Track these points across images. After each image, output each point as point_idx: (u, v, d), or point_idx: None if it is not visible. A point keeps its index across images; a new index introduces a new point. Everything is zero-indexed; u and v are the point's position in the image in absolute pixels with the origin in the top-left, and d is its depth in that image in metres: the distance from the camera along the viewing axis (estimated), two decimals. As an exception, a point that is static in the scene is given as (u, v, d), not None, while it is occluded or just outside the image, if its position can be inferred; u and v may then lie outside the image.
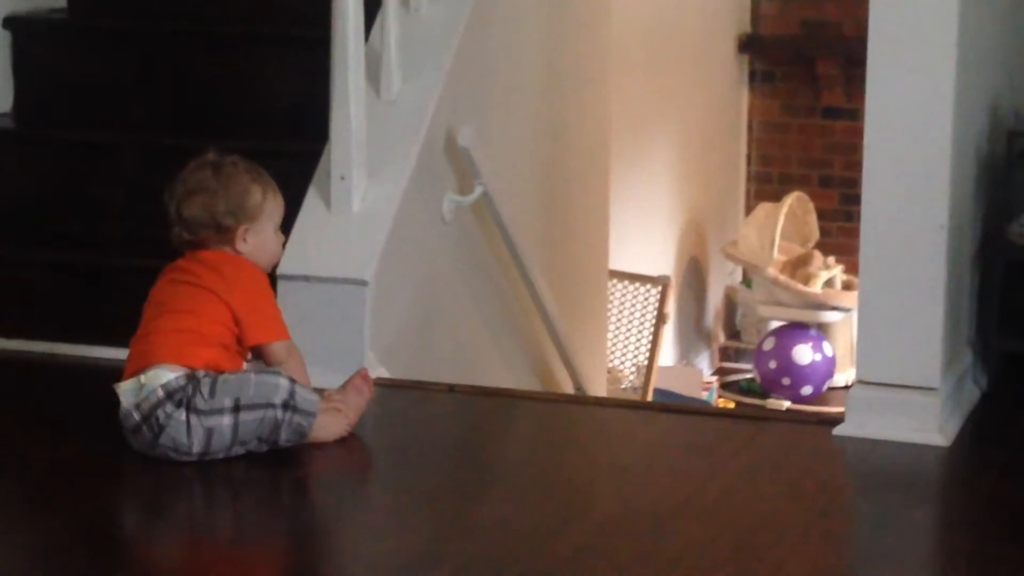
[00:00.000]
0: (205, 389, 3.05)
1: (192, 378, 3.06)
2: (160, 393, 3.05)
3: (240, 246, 3.18)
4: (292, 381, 3.11)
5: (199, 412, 3.05)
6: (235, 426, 3.06)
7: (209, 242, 3.18)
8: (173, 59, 4.29)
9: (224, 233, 3.17)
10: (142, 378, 3.07)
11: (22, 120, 4.37)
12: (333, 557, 2.88)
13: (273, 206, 3.23)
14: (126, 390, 3.09)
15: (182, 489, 3.03)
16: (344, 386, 3.29)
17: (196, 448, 3.05)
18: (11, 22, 4.38)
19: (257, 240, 3.19)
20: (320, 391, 3.22)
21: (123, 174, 4.14)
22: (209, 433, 3.05)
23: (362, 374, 3.31)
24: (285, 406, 3.09)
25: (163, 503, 3.03)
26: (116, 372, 3.18)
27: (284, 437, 3.10)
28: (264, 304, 3.19)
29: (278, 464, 3.11)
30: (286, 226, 3.63)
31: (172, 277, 3.18)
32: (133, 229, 4.09)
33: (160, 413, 3.05)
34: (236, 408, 3.06)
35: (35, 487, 3.05)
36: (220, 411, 3.05)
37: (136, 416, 3.07)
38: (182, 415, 3.04)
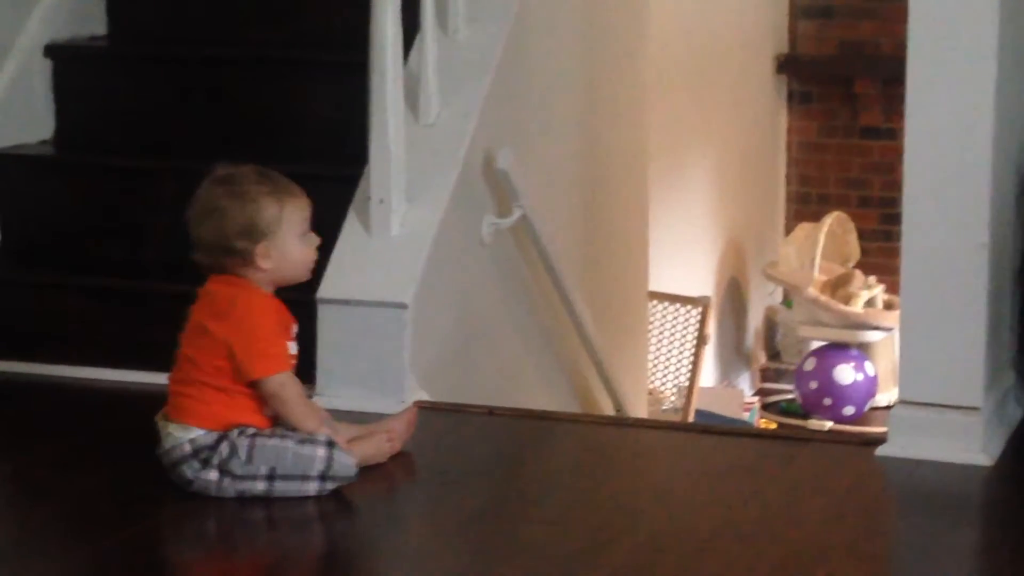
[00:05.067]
0: (243, 453, 3.01)
1: (224, 439, 3.02)
2: (187, 448, 3.02)
3: (263, 264, 3.05)
4: (330, 447, 3.04)
5: (233, 476, 3.02)
6: (268, 492, 3.03)
7: (229, 265, 3.06)
8: (212, 85, 4.31)
9: (240, 256, 3.04)
10: (170, 427, 3.05)
11: (63, 147, 4.39)
12: (374, 580, 2.88)
13: (291, 215, 3.07)
14: (160, 430, 3.07)
15: (221, 512, 3.03)
16: (398, 416, 3.30)
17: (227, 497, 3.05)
18: (52, 50, 4.41)
19: (279, 254, 3.06)
20: (353, 415, 3.23)
21: (163, 200, 4.16)
22: (240, 494, 3.03)
23: (415, 411, 3.33)
24: (322, 477, 3.05)
25: (202, 526, 3.03)
26: (156, 397, 3.18)
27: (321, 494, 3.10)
28: (251, 338, 3.03)
29: (319, 488, 3.11)
30: (326, 249, 3.65)
31: (192, 308, 3.11)
32: (173, 254, 4.08)
33: (186, 470, 3.03)
34: (271, 477, 3.02)
35: (74, 512, 3.06)
36: (254, 477, 3.02)
37: (166, 460, 3.06)
38: (211, 474, 3.02)
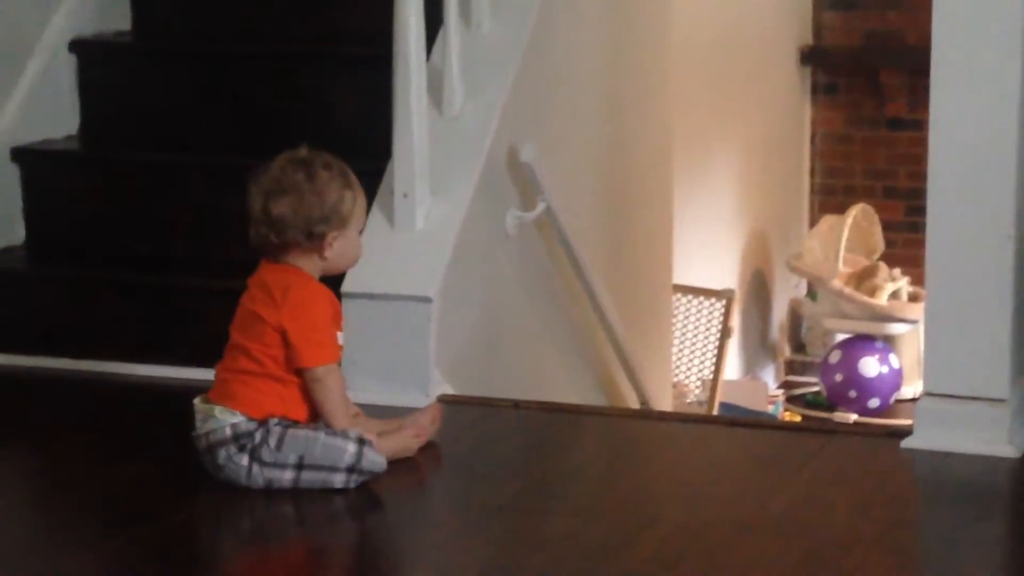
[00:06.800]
0: (273, 440, 3.03)
1: (263, 425, 3.05)
2: (228, 432, 3.04)
3: (327, 252, 3.09)
4: (361, 443, 3.05)
5: (263, 463, 3.03)
6: (295, 481, 3.04)
7: (294, 246, 3.07)
8: (236, 80, 4.31)
9: (313, 240, 3.07)
10: (216, 409, 3.06)
11: (88, 142, 4.41)
12: (400, 573, 2.88)
13: (361, 211, 3.15)
14: (200, 412, 3.08)
15: (251, 505, 3.04)
16: (423, 411, 3.31)
17: (254, 488, 3.06)
18: (77, 46, 4.42)
19: (342, 245, 3.11)
20: (378, 409, 3.23)
21: (188, 195, 4.17)
22: (268, 483, 3.04)
23: (439, 406, 3.35)
24: (350, 470, 3.05)
25: (232, 519, 3.04)
26: (183, 391, 3.20)
27: (347, 488, 3.10)
28: (307, 326, 3.06)
29: (345, 481, 3.12)
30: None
31: (243, 298, 3.13)
32: (198, 249, 4.11)
33: (221, 453, 3.04)
34: (299, 466, 3.04)
35: (104, 505, 3.07)
36: (283, 466, 3.04)
37: (203, 443, 3.08)
38: (243, 460, 3.03)
